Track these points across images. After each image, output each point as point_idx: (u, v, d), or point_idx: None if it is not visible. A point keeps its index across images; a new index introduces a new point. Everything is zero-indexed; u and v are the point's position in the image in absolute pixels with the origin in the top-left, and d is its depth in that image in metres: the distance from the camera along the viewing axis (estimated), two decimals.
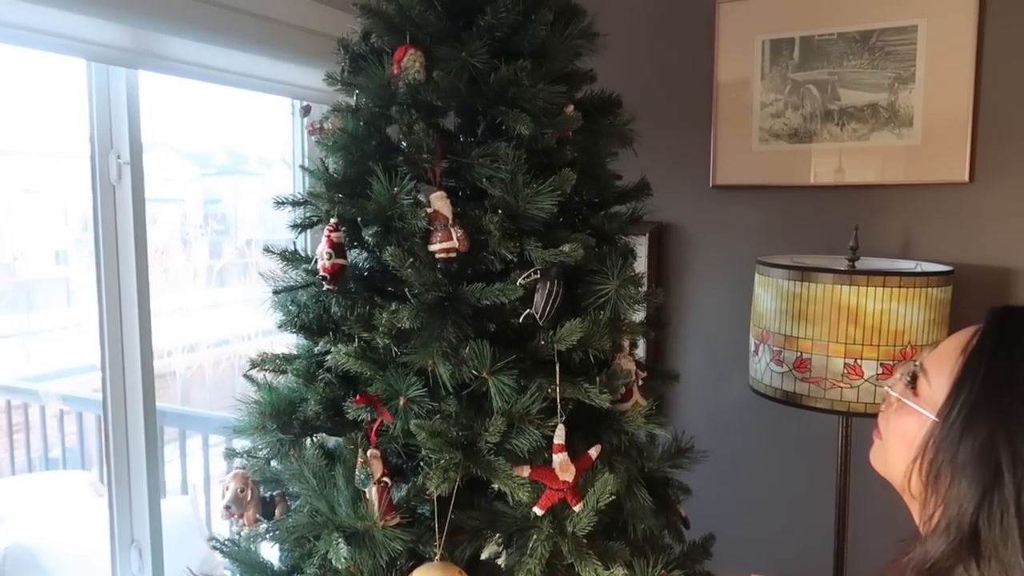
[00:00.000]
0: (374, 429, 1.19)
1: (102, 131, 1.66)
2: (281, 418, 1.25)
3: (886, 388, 0.82)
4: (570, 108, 1.30)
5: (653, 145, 2.11)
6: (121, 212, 1.70)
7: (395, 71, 1.24)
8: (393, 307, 1.15)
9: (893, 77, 1.88)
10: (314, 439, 1.34)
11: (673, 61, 2.15)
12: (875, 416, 0.85)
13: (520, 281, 1.17)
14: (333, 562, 1.14)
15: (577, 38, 1.32)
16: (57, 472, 3.42)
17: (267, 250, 1.34)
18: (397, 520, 1.18)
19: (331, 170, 1.27)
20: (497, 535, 1.28)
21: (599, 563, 1.17)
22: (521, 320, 1.20)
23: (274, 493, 1.36)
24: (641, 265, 2.12)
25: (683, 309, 2.21)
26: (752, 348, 1.79)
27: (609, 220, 1.35)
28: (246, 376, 1.37)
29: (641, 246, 2.12)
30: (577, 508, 1.19)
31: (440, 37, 1.26)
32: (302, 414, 1.25)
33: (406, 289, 1.18)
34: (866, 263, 1.73)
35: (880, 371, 1.54)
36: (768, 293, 1.70)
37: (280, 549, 1.34)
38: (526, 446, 1.16)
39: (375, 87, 1.24)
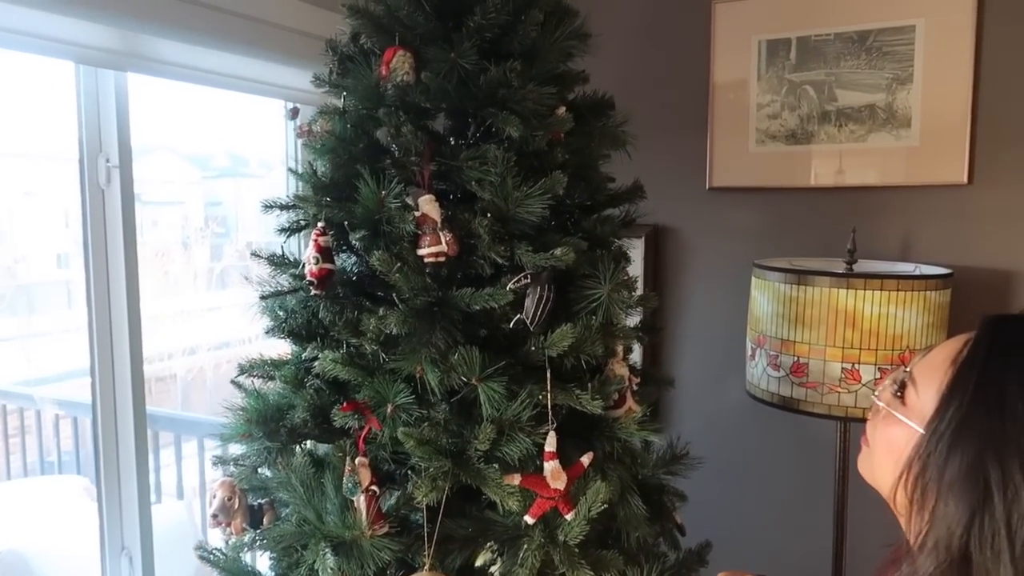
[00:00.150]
0: (362, 437, 1.17)
1: (91, 134, 1.64)
2: (268, 425, 1.23)
3: (874, 396, 0.80)
4: (562, 110, 1.29)
5: (649, 147, 2.09)
6: (110, 216, 1.68)
7: (383, 72, 1.22)
8: (381, 312, 1.14)
9: (891, 78, 1.86)
10: (303, 446, 1.32)
11: (668, 62, 2.13)
12: None
13: (510, 286, 1.15)
14: (320, 573, 1.12)
15: (568, 39, 1.30)
16: (51, 477, 3.40)
17: (255, 254, 1.32)
18: (386, 529, 1.16)
19: (319, 173, 1.25)
20: (492, 542, 1.26)
21: (591, 572, 1.15)
22: (512, 325, 1.18)
23: (262, 501, 1.34)
24: (637, 268, 2.10)
25: (679, 312, 2.19)
26: (749, 352, 1.77)
27: (602, 223, 1.33)
28: (234, 382, 1.35)
29: (637, 249, 2.10)
30: (569, 517, 1.17)
31: (429, 38, 1.24)
32: (289, 421, 1.23)
33: (395, 294, 1.16)
34: (864, 266, 1.71)
35: (878, 375, 1.52)
36: (764, 296, 1.68)
37: (270, 558, 1.32)
38: (517, 454, 1.14)
39: (363, 89, 1.23)
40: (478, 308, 1.16)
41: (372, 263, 1.15)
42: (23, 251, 3.73)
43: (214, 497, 1.29)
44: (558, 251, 1.15)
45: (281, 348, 1.42)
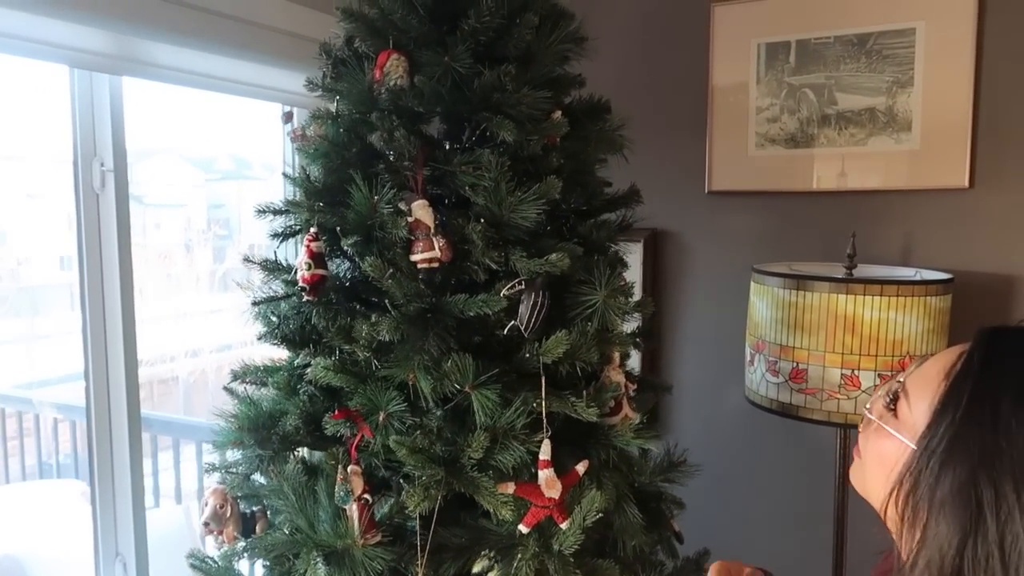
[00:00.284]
0: (354, 445, 1.16)
1: (85, 138, 1.63)
2: (259, 433, 1.21)
3: (865, 409, 0.78)
4: (557, 114, 1.27)
5: (647, 151, 2.08)
6: (105, 220, 1.67)
7: (377, 76, 1.21)
8: (373, 319, 1.12)
9: (891, 81, 1.84)
10: (296, 453, 1.31)
11: (667, 65, 2.12)
12: None
13: (504, 292, 1.14)
14: None
15: (564, 42, 1.29)
16: (49, 481, 3.39)
17: (247, 260, 1.30)
18: (378, 538, 1.15)
19: (312, 178, 1.24)
20: (489, 550, 1.25)
21: None
22: (506, 332, 1.17)
23: (255, 509, 1.33)
24: (635, 273, 2.09)
25: (678, 317, 2.18)
26: (748, 358, 1.76)
27: (598, 228, 1.32)
28: (226, 388, 1.33)
29: (635, 253, 2.09)
30: (564, 526, 1.16)
31: (424, 42, 1.23)
32: (281, 429, 1.22)
33: (388, 300, 1.15)
34: (864, 270, 1.70)
35: (878, 382, 1.50)
36: (763, 302, 1.66)
37: (263, 566, 1.30)
38: (511, 462, 1.13)
39: (356, 93, 1.21)
40: (472, 315, 1.15)
41: (364, 269, 1.13)
42: (26, 253, 3.73)
43: (206, 505, 1.28)
44: (553, 257, 1.14)
45: (277, 353, 1.41)
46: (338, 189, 1.20)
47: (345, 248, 1.22)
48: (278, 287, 1.28)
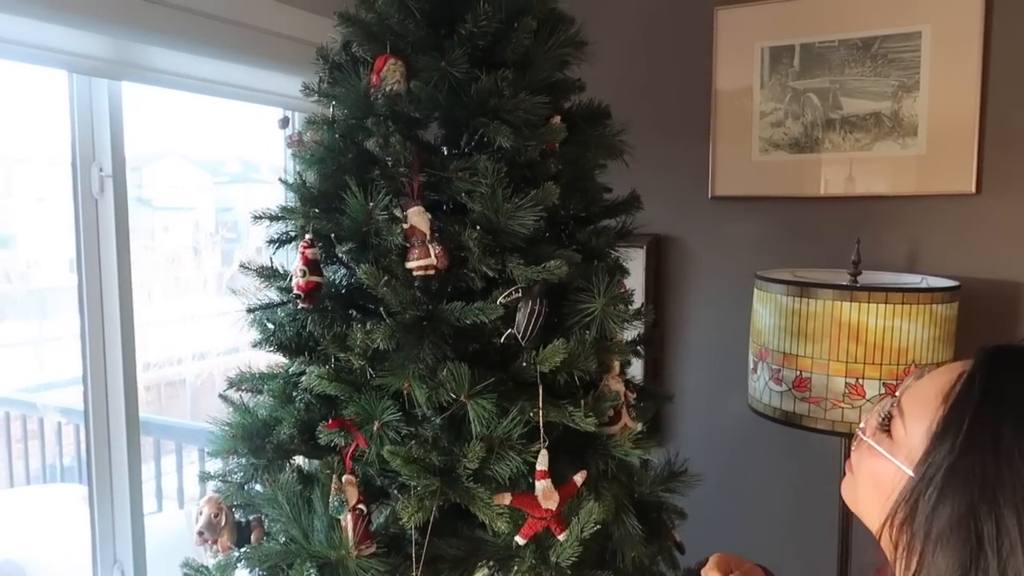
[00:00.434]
0: (348, 454, 1.14)
1: (84, 143, 1.62)
2: (253, 441, 1.20)
3: (859, 429, 0.75)
4: (556, 119, 1.26)
5: (650, 156, 2.07)
6: (103, 225, 1.67)
7: (374, 81, 1.20)
8: (368, 327, 1.11)
9: (897, 85, 1.82)
10: (292, 462, 1.29)
11: (670, 69, 2.10)
12: None
13: (501, 300, 1.12)
14: None
15: (563, 46, 1.27)
16: (52, 485, 3.39)
17: (243, 266, 1.29)
18: (372, 549, 1.14)
19: (307, 184, 1.23)
20: (489, 561, 1.23)
21: None
22: (503, 340, 1.16)
23: (250, 518, 1.31)
24: (638, 278, 2.07)
25: (681, 324, 2.15)
26: (751, 366, 1.73)
27: (597, 235, 1.30)
28: (222, 396, 1.32)
29: (638, 259, 2.07)
30: (561, 537, 1.14)
31: (421, 46, 1.22)
32: (276, 437, 1.21)
33: (383, 308, 1.14)
34: (869, 277, 1.67)
35: (883, 391, 1.48)
36: (767, 309, 1.64)
37: None
38: (507, 472, 1.11)
39: (352, 98, 1.20)
40: (469, 323, 1.13)
41: (359, 276, 1.12)
42: (36, 256, 3.74)
43: (200, 514, 1.26)
44: (551, 264, 1.12)
45: (281, 359, 1.39)
46: (333, 195, 1.19)
47: (340, 255, 1.20)
48: (273, 294, 1.26)
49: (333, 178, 1.19)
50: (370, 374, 1.14)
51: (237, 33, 1.64)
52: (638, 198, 1.42)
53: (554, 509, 1.13)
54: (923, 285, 1.56)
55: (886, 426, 0.70)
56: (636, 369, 2.02)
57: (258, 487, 1.32)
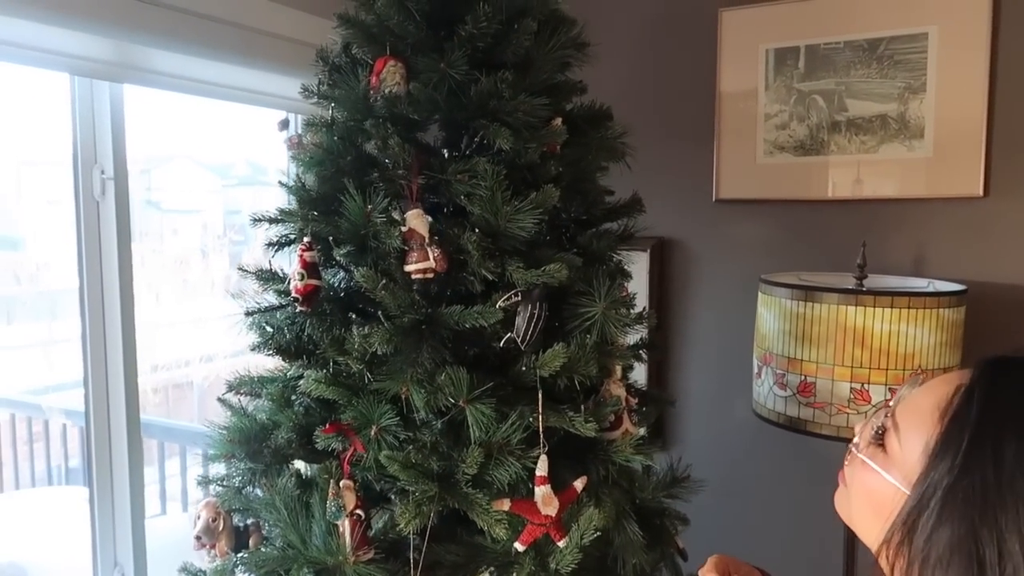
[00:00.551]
0: (346, 459, 1.13)
1: (85, 146, 1.62)
2: (251, 445, 1.19)
3: (853, 445, 0.72)
4: (557, 121, 1.25)
5: (654, 158, 2.05)
6: (105, 228, 1.66)
7: (373, 83, 1.19)
8: (366, 330, 1.10)
9: (903, 87, 1.80)
10: (291, 466, 1.28)
11: (674, 71, 2.09)
12: None
13: (500, 303, 1.11)
14: None
15: (564, 48, 1.26)
16: (55, 488, 3.39)
17: (242, 269, 1.29)
18: (371, 555, 1.13)
19: (306, 186, 1.22)
20: (489, 566, 1.22)
21: None
22: (502, 344, 1.14)
23: (249, 522, 1.31)
24: (641, 282, 2.05)
25: (685, 328, 2.14)
26: (755, 370, 1.72)
27: (598, 238, 1.29)
28: (220, 400, 1.31)
29: (641, 262, 2.05)
30: (561, 544, 1.12)
31: (421, 48, 1.21)
32: (274, 441, 1.20)
33: (381, 312, 1.13)
34: (875, 281, 1.65)
35: (888, 396, 1.46)
36: (771, 313, 1.62)
37: None
38: (506, 478, 1.10)
39: (351, 100, 1.19)
40: (468, 326, 1.12)
41: (357, 279, 1.11)
42: (46, 258, 3.75)
43: (198, 518, 1.26)
44: (551, 267, 1.11)
45: (281, 363, 1.38)
46: (332, 198, 1.18)
47: (338, 258, 1.20)
48: (272, 297, 1.26)
49: (332, 180, 1.19)
50: (368, 378, 1.13)
51: (237, 35, 1.64)
52: (640, 201, 1.41)
53: (554, 515, 1.11)
54: (930, 289, 1.55)
55: (880, 439, 0.67)
56: (640, 373, 2.01)
57: (257, 491, 1.31)
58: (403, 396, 1.11)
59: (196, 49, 1.58)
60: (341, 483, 1.13)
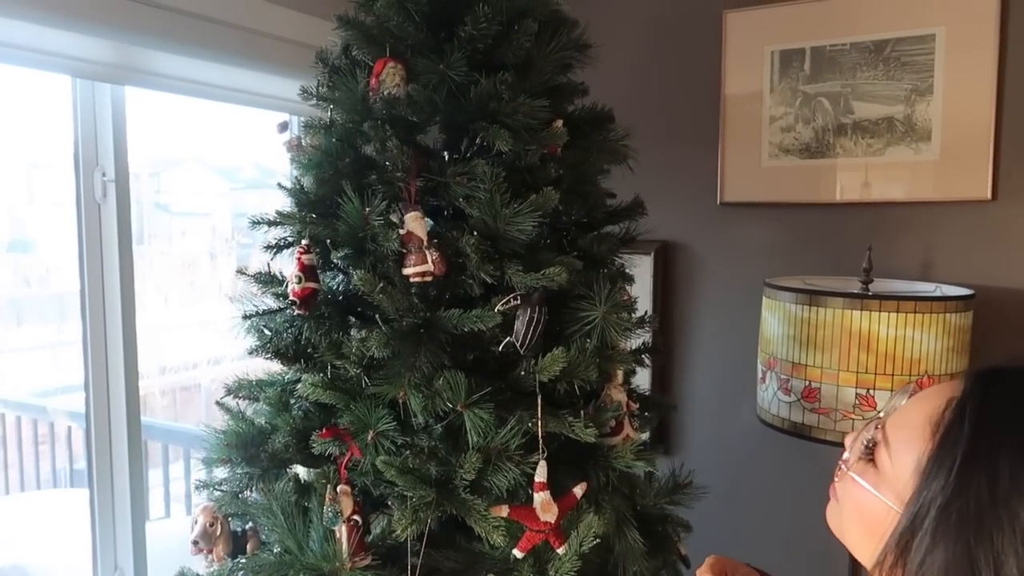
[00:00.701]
0: (343, 464, 1.12)
1: (87, 148, 1.62)
2: (247, 450, 1.18)
3: (842, 461, 0.70)
4: (558, 123, 1.23)
5: (658, 161, 2.04)
6: (106, 230, 1.66)
7: (373, 84, 1.18)
8: (362, 334, 1.09)
9: (910, 89, 1.78)
10: (289, 471, 1.27)
11: (679, 73, 2.07)
12: None
13: (499, 307, 1.10)
14: None
15: (565, 49, 1.25)
16: (60, 490, 3.40)
17: (240, 272, 1.28)
18: (367, 561, 1.11)
19: (304, 189, 1.21)
20: (487, 574, 1.20)
21: None
22: (501, 349, 1.13)
23: (247, 528, 1.30)
24: (645, 285, 2.04)
25: (689, 332, 2.12)
26: (760, 375, 1.70)
27: (599, 241, 1.27)
28: (218, 403, 1.31)
29: (645, 266, 2.04)
30: (560, 551, 1.11)
31: (420, 49, 1.20)
32: (271, 446, 1.19)
33: (379, 315, 1.12)
34: (881, 285, 1.63)
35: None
36: (775, 317, 1.61)
37: None
38: (505, 484, 1.09)
39: (350, 102, 1.18)
40: (466, 330, 1.11)
41: (355, 282, 1.10)
42: (55, 260, 3.77)
43: (195, 523, 1.25)
44: (550, 271, 1.10)
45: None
46: (330, 200, 1.17)
47: (335, 261, 1.19)
48: (270, 300, 1.25)
49: (330, 183, 1.18)
50: (365, 382, 1.12)
51: (238, 37, 1.64)
52: (642, 204, 1.39)
53: (553, 522, 1.10)
54: (937, 293, 1.52)
55: (870, 453, 0.65)
56: (643, 378, 1.99)
57: (255, 496, 1.30)
58: (401, 401, 1.10)
59: (196, 51, 1.58)
60: (338, 488, 1.12)
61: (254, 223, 1.28)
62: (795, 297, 1.55)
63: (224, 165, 4.97)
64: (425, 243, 1.10)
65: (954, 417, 0.59)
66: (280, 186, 1.29)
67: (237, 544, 1.27)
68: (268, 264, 1.29)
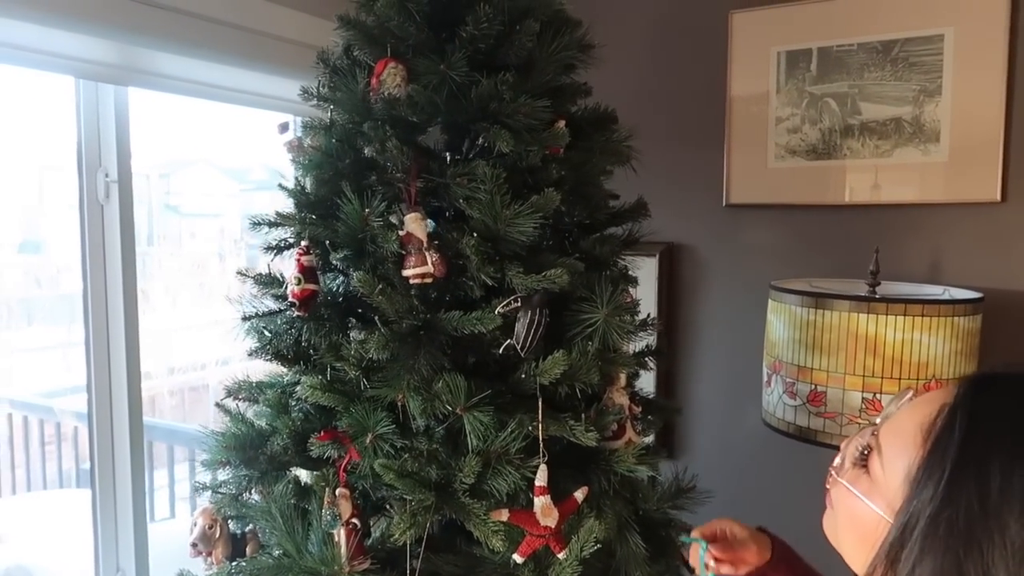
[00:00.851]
0: (342, 467, 1.11)
1: (90, 149, 1.62)
2: (246, 452, 1.18)
3: (833, 468, 0.68)
4: (560, 123, 1.22)
5: (663, 162, 2.02)
6: (109, 231, 1.66)
7: (374, 85, 1.18)
8: (362, 336, 1.08)
9: (918, 90, 1.76)
10: (289, 473, 1.27)
11: (684, 74, 2.06)
12: None
13: (499, 310, 1.09)
14: None
15: (567, 49, 1.24)
16: (65, 490, 3.41)
17: (240, 273, 1.27)
18: (366, 565, 1.10)
19: (304, 189, 1.21)
20: None
21: None
22: (501, 351, 1.12)
23: (246, 530, 1.29)
24: (649, 287, 2.02)
25: (694, 334, 2.10)
26: (765, 379, 1.68)
27: (601, 243, 1.26)
28: (218, 405, 1.30)
29: (650, 268, 2.02)
30: (561, 556, 1.10)
31: (421, 50, 1.19)
32: (270, 448, 1.18)
33: (378, 317, 1.11)
34: (889, 288, 1.61)
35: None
36: (781, 320, 1.59)
37: None
38: (505, 488, 1.08)
39: (350, 102, 1.18)
40: (466, 332, 1.10)
41: (354, 284, 1.09)
42: (66, 261, 3.79)
43: (194, 525, 1.24)
44: (551, 272, 1.09)
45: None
46: (330, 201, 1.16)
47: (334, 262, 1.18)
48: (270, 302, 1.24)
49: (330, 183, 1.17)
50: (364, 384, 1.11)
51: (241, 37, 1.63)
52: (645, 205, 1.38)
53: (553, 526, 1.09)
54: (945, 296, 1.50)
55: (864, 460, 0.64)
56: (648, 381, 1.98)
57: (255, 497, 1.30)
58: (400, 403, 1.09)
59: (199, 51, 1.58)
60: (337, 491, 1.11)
61: (254, 224, 1.27)
62: (801, 300, 1.53)
63: (234, 166, 4.99)
64: (425, 244, 1.09)
65: (945, 424, 0.58)
66: (281, 187, 1.28)
67: (236, 547, 1.27)
68: (268, 265, 1.29)
